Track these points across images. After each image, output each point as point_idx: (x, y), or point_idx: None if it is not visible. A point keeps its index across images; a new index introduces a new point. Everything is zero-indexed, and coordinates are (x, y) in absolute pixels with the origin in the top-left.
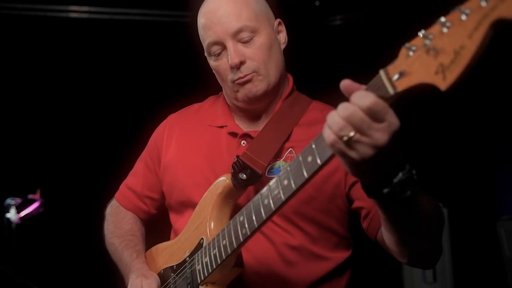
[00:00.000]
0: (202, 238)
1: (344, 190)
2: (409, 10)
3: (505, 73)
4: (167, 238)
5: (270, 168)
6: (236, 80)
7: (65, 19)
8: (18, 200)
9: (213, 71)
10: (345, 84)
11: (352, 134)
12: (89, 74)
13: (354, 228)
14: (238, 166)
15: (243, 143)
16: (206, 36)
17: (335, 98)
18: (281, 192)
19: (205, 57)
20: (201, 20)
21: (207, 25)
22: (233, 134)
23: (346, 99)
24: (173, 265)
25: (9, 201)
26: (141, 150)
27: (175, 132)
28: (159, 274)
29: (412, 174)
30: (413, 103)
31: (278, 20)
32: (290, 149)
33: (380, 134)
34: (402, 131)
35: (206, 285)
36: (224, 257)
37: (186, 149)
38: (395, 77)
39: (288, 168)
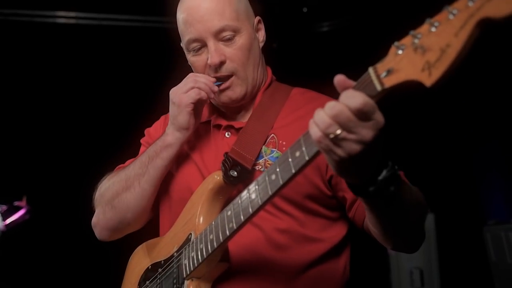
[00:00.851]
0: (191, 233)
1: (326, 177)
2: (395, 15)
3: (487, 80)
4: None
5: None
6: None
7: (52, 25)
8: (4, 207)
9: (190, 64)
10: (339, 79)
11: (339, 132)
12: (77, 80)
13: None
14: (228, 163)
15: (228, 134)
16: (186, 32)
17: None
18: (268, 186)
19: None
20: (181, 14)
21: (188, 21)
22: (217, 127)
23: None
24: (161, 261)
25: None
26: (129, 157)
27: None
28: (147, 270)
29: (395, 170)
30: (399, 111)
31: (258, 18)
32: (272, 134)
33: (366, 131)
34: (388, 138)
35: (192, 280)
36: (210, 251)
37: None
38: (383, 74)
39: (276, 163)
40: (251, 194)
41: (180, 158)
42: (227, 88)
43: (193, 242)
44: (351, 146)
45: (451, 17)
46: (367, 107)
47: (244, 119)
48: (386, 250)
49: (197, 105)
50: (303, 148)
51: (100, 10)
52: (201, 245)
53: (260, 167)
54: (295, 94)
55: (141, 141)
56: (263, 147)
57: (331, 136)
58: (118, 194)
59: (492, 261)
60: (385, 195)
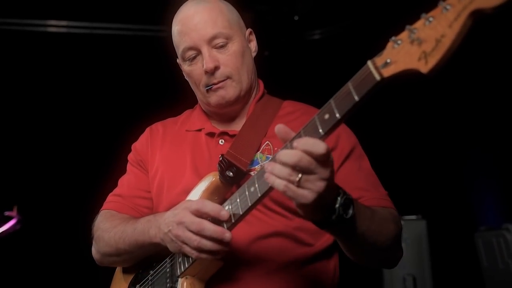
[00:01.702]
0: None
1: None
2: (387, 23)
3: (478, 86)
4: None
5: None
6: (210, 85)
7: (43, 34)
8: None
9: (186, 77)
10: (281, 129)
11: (300, 176)
12: (68, 89)
13: None
14: (224, 164)
15: (221, 141)
16: (181, 41)
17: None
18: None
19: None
20: (176, 26)
21: (183, 31)
22: (211, 134)
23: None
24: (153, 263)
25: None
26: (120, 166)
27: (157, 140)
28: (137, 274)
29: (347, 194)
30: (391, 118)
31: (249, 29)
32: (267, 142)
33: (325, 169)
34: (381, 146)
35: (186, 278)
36: None
37: (170, 154)
38: (381, 65)
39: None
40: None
41: (175, 166)
42: (221, 88)
43: None
44: (316, 184)
45: (444, 11)
46: (328, 151)
47: (236, 127)
48: None
49: None
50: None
51: (91, 19)
52: None
53: (255, 172)
54: (286, 106)
55: (128, 158)
56: (259, 153)
57: (295, 182)
58: (111, 255)
59: (484, 267)
60: (346, 220)
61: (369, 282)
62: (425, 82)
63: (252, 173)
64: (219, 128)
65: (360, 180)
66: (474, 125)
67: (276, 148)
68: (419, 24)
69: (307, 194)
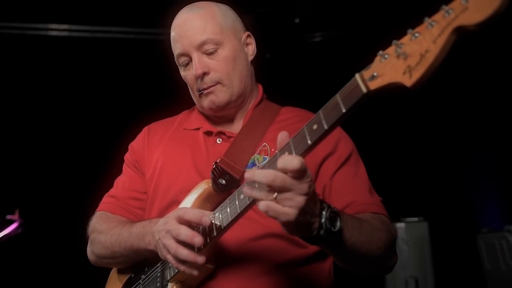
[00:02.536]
0: None
1: None
2: (387, 25)
3: (480, 89)
4: None
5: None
6: (201, 90)
7: (44, 37)
8: None
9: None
10: (280, 137)
11: (275, 195)
12: (69, 92)
13: None
14: (218, 172)
15: (219, 140)
16: (174, 48)
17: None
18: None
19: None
20: (171, 33)
21: (175, 38)
22: (208, 133)
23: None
24: (145, 268)
25: None
26: (118, 168)
27: (155, 139)
28: (130, 278)
29: (331, 207)
30: (393, 121)
31: (247, 33)
32: (264, 143)
33: (302, 185)
34: (383, 149)
35: (175, 283)
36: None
37: (169, 152)
38: (368, 78)
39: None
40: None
41: (175, 163)
42: (211, 93)
43: None
44: (296, 200)
45: (429, 27)
46: (304, 166)
47: (234, 130)
48: None
49: None
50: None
51: (92, 22)
52: None
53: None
54: (284, 112)
55: (125, 157)
56: (256, 155)
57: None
58: (106, 257)
59: (486, 269)
60: (335, 233)
61: (371, 285)
62: (428, 83)
63: (248, 170)
64: (217, 128)
65: (354, 186)
66: (477, 127)
67: (273, 149)
68: (405, 39)
69: (288, 211)
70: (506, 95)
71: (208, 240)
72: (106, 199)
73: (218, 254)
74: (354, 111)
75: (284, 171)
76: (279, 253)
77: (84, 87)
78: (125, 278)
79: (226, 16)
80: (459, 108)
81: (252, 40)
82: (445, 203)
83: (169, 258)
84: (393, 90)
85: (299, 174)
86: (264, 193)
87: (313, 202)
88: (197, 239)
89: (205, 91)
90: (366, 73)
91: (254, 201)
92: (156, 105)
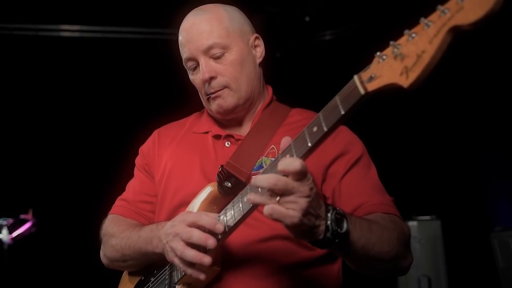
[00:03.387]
0: None
1: (320, 194)
2: (398, 23)
3: (494, 87)
4: None
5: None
6: (208, 94)
7: (56, 38)
8: (10, 221)
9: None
10: (283, 142)
11: (277, 198)
12: (82, 93)
13: None
14: (223, 175)
15: (227, 143)
16: (182, 52)
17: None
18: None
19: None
20: (179, 37)
21: (182, 42)
22: (217, 137)
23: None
24: (154, 270)
25: (1, 221)
26: (130, 168)
27: (165, 142)
28: (140, 281)
29: (337, 209)
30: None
31: (255, 35)
32: (272, 146)
33: (304, 187)
34: (396, 147)
35: (182, 285)
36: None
37: (178, 156)
38: (366, 80)
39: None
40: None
41: (183, 167)
42: (218, 97)
43: None
44: (299, 202)
45: (426, 27)
46: (304, 168)
47: (242, 133)
48: None
49: None
50: (240, 205)
51: (103, 23)
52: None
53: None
54: (294, 114)
55: (135, 161)
56: (263, 158)
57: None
58: (117, 260)
59: (500, 267)
60: (342, 234)
61: (383, 284)
62: (443, 81)
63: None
64: (226, 131)
65: (365, 187)
66: (490, 126)
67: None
68: (402, 40)
69: (292, 213)
70: None
71: None
72: (118, 202)
73: (225, 255)
74: (354, 112)
75: (285, 173)
76: (287, 255)
77: (97, 88)
78: (136, 280)
79: (233, 19)
80: (474, 107)
81: (260, 42)
82: (458, 202)
83: (176, 261)
84: (392, 91)
85: (300, 176)
86: (267, 197)
87: (317, 204)
88: (211, 241)
89: (213, 95)
90: (365, 75)
91: (257, 205)
92: (168, 104)
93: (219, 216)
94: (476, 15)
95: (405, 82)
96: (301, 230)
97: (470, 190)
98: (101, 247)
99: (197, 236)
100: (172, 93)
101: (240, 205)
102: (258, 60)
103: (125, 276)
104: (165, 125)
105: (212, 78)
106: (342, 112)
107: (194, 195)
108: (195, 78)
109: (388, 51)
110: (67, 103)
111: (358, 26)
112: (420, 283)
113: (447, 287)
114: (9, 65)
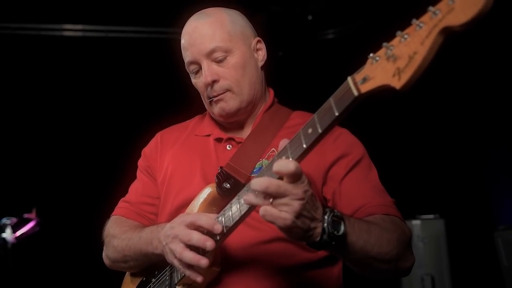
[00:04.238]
0: None
1: (320, 195)
2: (401, 22)
3: (499, 87)
4: None
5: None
6: (211, 98)
7: (59, 38)
8: (14, 220)
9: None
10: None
11: (270, 201)
12: (85, 92)
13: None
14: (222, 176)
15: (229, 146)
16: (185, 56)
17: None
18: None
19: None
20: (181, 40)
21: (185, 46)
22: (219, 140)
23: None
24: (155, 271)
25: (5, 220)
26: (133, 170)
27: (167, 145)
28: (141, 282)
29: (334, 212)
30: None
31: (257, 38)
32: (273, 149)
33: (297, 190)
34: (400, 146)
35: (183, 286)
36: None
37: (180, 158)
38: (360, 81)
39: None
40: (232, 206)
41: (185, 170)
42: (221, 100)
43: None
44: (292, 204)
45: (418, 29)
46: (298, 170)
47: (244, 135)
48: None
49: None
50: (238, 207)
51: (106, 22)
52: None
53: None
54: (294, 117)
55: (138, 163)
56: (263, 160)
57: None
58: (119, 261)
59: (504, 266)
60: (339, 237)
61: (386, 282)
62: (447, 80)
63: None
64: (227, 134)
65: (365, 189)
66: (494, 124)
67: None
68: (395, 41)
69: (284, 215)
70: None
71: None
72: (120, 204)
73: (227, 256)
74: (349, 113)
75: (280, 175)
76: (288, 257)
77: (100, 88)
78: (137, 281)
79: (235, 22)
80: (478, 105)
81: (262, 46)
82: (461, 200)
83: (175, 262)
84: (385, 93)
85: (294, 178)
86: (261, 199)
87: (312, 206)
88: (209, 243)
89: (215, 99)
90: (358, 76)
91: (254, 206)
92: (172, 103)
93: (217, 217)
94: (466, 16)
95: (397, 83)
96: (295, 232)
97: (473, 188)
98: (104, 248)
99: (196, 238)
100: (175, 92)
101: (238, 206)
102: (260, 64)
103: (127, 277)
104: (167, 128)
105: (214, 82)
106: (336, 114)
107: (194, 197)
108: (198, 81)
109: (381, 52)
110: (70, 103)
111: (360, 24)
112: (423, 282)
113: (451, 286)
114: (12, 64)
